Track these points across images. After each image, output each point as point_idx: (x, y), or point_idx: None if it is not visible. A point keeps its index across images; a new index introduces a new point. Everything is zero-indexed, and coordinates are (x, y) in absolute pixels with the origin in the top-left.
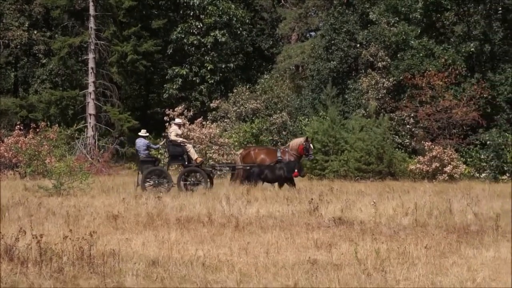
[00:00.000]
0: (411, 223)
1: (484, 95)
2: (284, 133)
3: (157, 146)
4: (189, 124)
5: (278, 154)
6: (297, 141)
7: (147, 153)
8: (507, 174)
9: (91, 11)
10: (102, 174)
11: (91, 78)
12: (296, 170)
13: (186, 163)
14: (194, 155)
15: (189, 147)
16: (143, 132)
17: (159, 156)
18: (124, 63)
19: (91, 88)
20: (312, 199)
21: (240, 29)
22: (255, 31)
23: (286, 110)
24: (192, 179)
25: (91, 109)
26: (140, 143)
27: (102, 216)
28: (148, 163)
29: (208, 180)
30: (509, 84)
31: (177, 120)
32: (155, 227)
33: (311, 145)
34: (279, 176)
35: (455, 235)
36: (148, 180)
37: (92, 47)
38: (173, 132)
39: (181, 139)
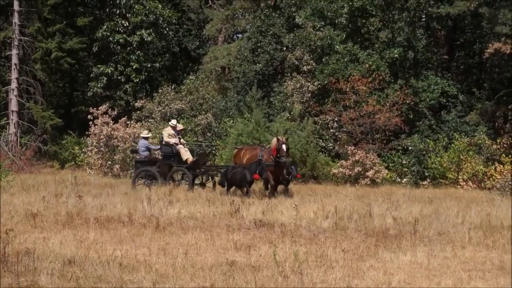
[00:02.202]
0: (331, 226)
1: (407, 101)
2: (209, 134)
3: (158, 147)
4: (113, 123)
5: (260, 153)
6: (273, 142)
7: (147, 154)
8: (427, 180)
9: (16, 6)
10: (24, 172)
11: (14, 75)
12: (257, 172)
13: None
14: (184, 155)
15: (180, 147)
16: (145, 133)
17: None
18: (48, 60)
19: (14, 85)
20: (233, 200)
21: (167, 29)
22: (181, 32)
23: (211, 111)
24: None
25: (13, 106)
26: (140, 143)
27: (20, 214)
28: (141, 164)
29: (210, 181)
30: (431, 91)
31: (172, 122)
32: (75, 226)
33: (283, 147)
34: (242, 178)
35: (373, 239)
36: (138, 179)
37: (16, 43)
38: (165, 133)
39: (174, 140)
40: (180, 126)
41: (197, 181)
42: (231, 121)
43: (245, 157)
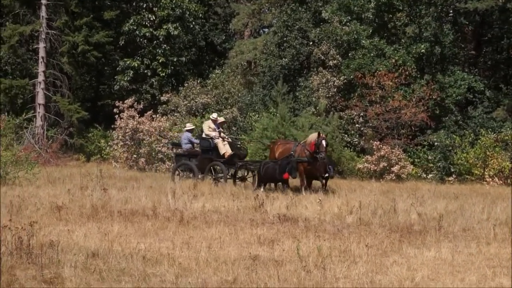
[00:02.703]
0: (355, 221)
1: (433, 97)
2: (234, 128)
3: (198, 140)
4: (139, 117)
5: (293, 148)
6: (312, 137)
7: (190, 147)
8: (453, 176)
9: None
10: (50, 165)
11: (41, 68)
12: (286, 171)
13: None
14: (222, 149)
15: (219, 142)
16: (188, 126)
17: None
18: (75, 53)
19: (41, 78)
20: (257, 195)
21: (193, 23)
22: (208, 26)
23: (237, 105)
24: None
25: (40, 99)
26: (183, 136)
27: (46, 207)
28: (181, 157)
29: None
30: (457, 86)
31: (213, 115)
32: (99, 219)
33: (323, 142)
34: (271, 175)
35: (397, 235)
36: (177, 172)
37: (43, 36)
38: (206, 126)
39: (214, 133)
40: (221, 119)
41: (239, 175)
42: (257, 116)
43: (278, 151)
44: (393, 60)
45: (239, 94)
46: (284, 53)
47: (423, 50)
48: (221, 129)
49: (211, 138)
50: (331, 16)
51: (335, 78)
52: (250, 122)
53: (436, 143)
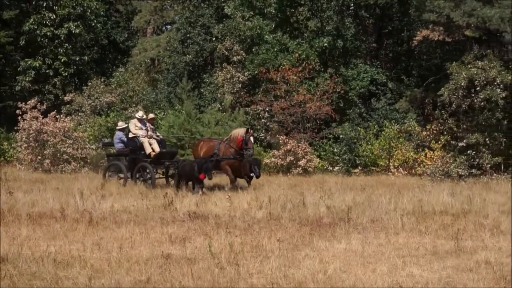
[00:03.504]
0: (265, 216)
1: (337, 90)
2: None
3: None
4: (43, 118)
5: (217, 146)
6: (237, 132)
7: (121, 146)
8: (359, 168)
9: None
10: None
11: None
12: (203, 172)
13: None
14: (148, 149)
15: (144, 141)
16: (120, 125)
17: None
18: None
19: None
20: (166, 193)
21: (95, 21)
22: (110, 24)
23: (142, 103)
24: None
25: None
26: (115, 136)
27: None
28: (112, 157)
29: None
30: (360, 79)
31: (138, 114)
32: (6, 223)
33: (251, 139)
34: (190, 174)
35: (308, 228)
36: (108, 172)
37: None
38: (132, 124)
39: (141, 132)
40: (150, 115)
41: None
42: (162, 113)
43: (202, 150)
44: (297, 55)
45: (144, 92)
46: (188, 49)
47: (325, 44)
48: (150, 126)
49: (137, 137)
50: (233, 11)
51: (239, 74)
52: (156, 120)
53: (341, 136)
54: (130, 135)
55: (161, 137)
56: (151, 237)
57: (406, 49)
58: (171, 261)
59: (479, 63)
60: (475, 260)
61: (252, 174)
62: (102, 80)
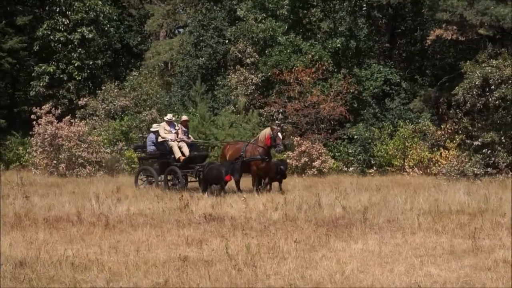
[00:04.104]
0: (281, 217)
1: (351, 90)
2: None
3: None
4: (57, 122)
5: (243, 148)
6: (264, 132)
7: (153, 149)
8: (374, 168)
9: None
10: None
11: None
12: (229, 173)
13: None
14: (177, 153)
15: (173, 145)
16: (154, 127)
17: None
18: None
19: None
20: (182, 195)
21: (108, 25)
22: (123, 28)
23: (156, 107)
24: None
25: None
26: (148, 138)
27: None
28: (144, 161)
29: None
30: (374, 79)
31: (167, 116)
32: (23, 227)
33: (279, 134)
34: (218, 178)
35: (324, 229)
36: (140, 177)
37: None
38: (161, 128)
39: (170, 135)
40: (183, 118)
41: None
42: (176, 116)
43: (228, 153)
44: (310, 56)
45: (158, 96)
46: (201, 52)
47: (338, 45)
48: (183, 128)
49: (167, 141)
50: (246, 14)
51: (253, 76)
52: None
53: (355, 136)
54: (160, 139)
55: (192, 139)
56: (167, 240)
57: (420, 48)
58: (188, 263)
59: (493, 62)
60: (493, 259)
61: (278, 176)
62: (116, 84)
